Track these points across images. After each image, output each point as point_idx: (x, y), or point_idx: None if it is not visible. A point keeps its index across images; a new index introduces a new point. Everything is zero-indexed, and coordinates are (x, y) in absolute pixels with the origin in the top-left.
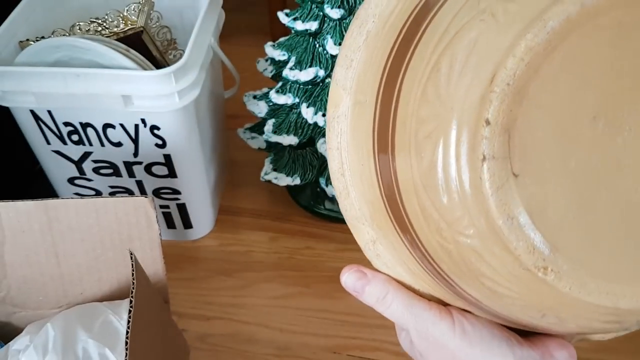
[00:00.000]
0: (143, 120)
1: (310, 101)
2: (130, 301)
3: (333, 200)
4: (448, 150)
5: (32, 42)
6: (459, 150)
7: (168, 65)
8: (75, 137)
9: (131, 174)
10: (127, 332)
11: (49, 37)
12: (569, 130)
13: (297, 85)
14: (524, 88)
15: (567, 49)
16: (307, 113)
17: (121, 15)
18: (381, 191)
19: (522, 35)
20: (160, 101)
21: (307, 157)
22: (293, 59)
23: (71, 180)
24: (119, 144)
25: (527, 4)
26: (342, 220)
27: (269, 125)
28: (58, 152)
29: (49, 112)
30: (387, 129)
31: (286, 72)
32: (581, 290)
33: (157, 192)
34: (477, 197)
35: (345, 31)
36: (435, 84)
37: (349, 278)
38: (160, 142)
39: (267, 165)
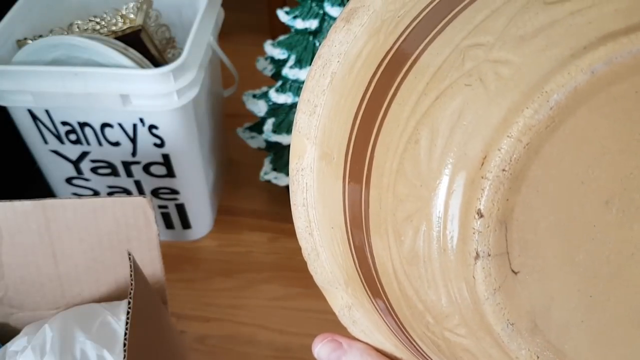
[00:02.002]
0: (141, 120)
1: None
2: (129, 302)
3: None
4: (432, 242)
5: (30, 41)
6: (446, 243)
7: (167, 64)
8: (73, 137)
9: (129, 174)
10: (126, 334)
11: (47, 35)
12: (577, 218)
13: (297, 84)
14: (523, 173)
15: (575, 124)
16: None
17: (120, 13)
18: (355, 264)
19: (519, 110)
20: (159, 100)
21: None
22: (293, 57)
23: (69, 180)
24: (117, 144)
25: (524, 68)
26: None
27: (268, 125)
28: (56, 152)
29: (47, 111)
30: (360, 197)
31: (286, 71)
32: None
33: (155, 192)
34: (470, 298)
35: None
36: (413, 159)
37: (322, 349)
38: (158, 141)
39: (267, 165)
